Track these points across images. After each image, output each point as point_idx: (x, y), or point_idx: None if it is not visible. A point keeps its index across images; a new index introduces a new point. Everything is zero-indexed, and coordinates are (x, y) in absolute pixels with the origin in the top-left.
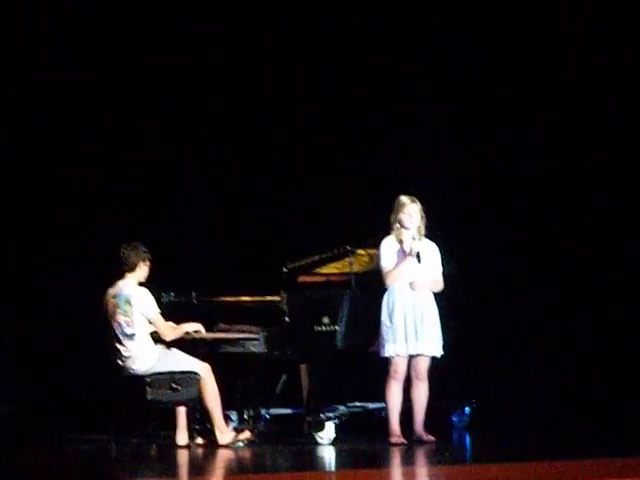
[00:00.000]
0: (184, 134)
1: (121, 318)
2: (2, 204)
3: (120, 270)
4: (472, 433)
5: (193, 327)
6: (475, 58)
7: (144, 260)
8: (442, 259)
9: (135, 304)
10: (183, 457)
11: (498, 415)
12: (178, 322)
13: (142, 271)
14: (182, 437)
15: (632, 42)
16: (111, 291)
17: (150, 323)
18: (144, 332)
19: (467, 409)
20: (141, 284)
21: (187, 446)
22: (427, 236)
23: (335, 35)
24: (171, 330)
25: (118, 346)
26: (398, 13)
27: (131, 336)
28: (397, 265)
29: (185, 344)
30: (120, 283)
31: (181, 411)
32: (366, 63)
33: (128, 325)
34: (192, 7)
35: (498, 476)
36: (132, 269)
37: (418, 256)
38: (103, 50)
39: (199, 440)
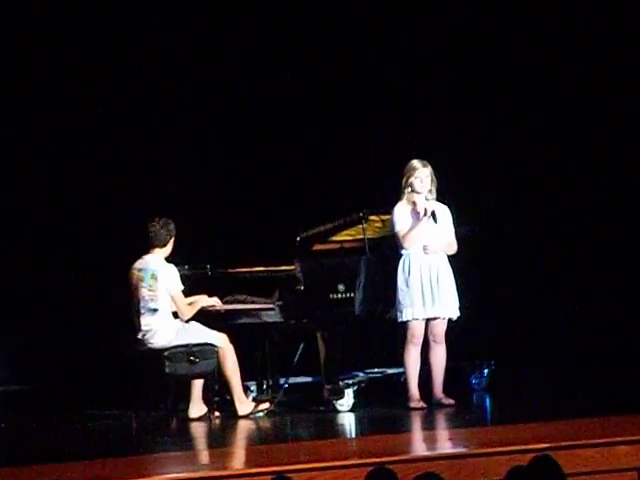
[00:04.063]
0: (198, 103)
1: (145, 292)
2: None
3: (148, 245)
4: (491, 395)
5: (208, 302)
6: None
7: (172, 237)
8: (454, 222)
9: (161, 279)
10: (203, 429)
11: (517, 376)
12: (193, 295)
13: (169, 247)
14: (195, 410)
15: None
16: (137, 264)
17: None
18: (167, 307)
19: (486, 370)
20: (166, 260)
21: (201, 418)
22: (437, 199)
23: None
24: (189, 309)
25: (139, 320)
26: None
27: (154, 310)
28: (413, 227)
29: (202, 316)
30: (147, 257)
31: (196, 383)
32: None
33: (152, 300)
34: None
35: (519, 437)
36: (164, 245)
37: (434, 216)
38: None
39: (217, 413)
